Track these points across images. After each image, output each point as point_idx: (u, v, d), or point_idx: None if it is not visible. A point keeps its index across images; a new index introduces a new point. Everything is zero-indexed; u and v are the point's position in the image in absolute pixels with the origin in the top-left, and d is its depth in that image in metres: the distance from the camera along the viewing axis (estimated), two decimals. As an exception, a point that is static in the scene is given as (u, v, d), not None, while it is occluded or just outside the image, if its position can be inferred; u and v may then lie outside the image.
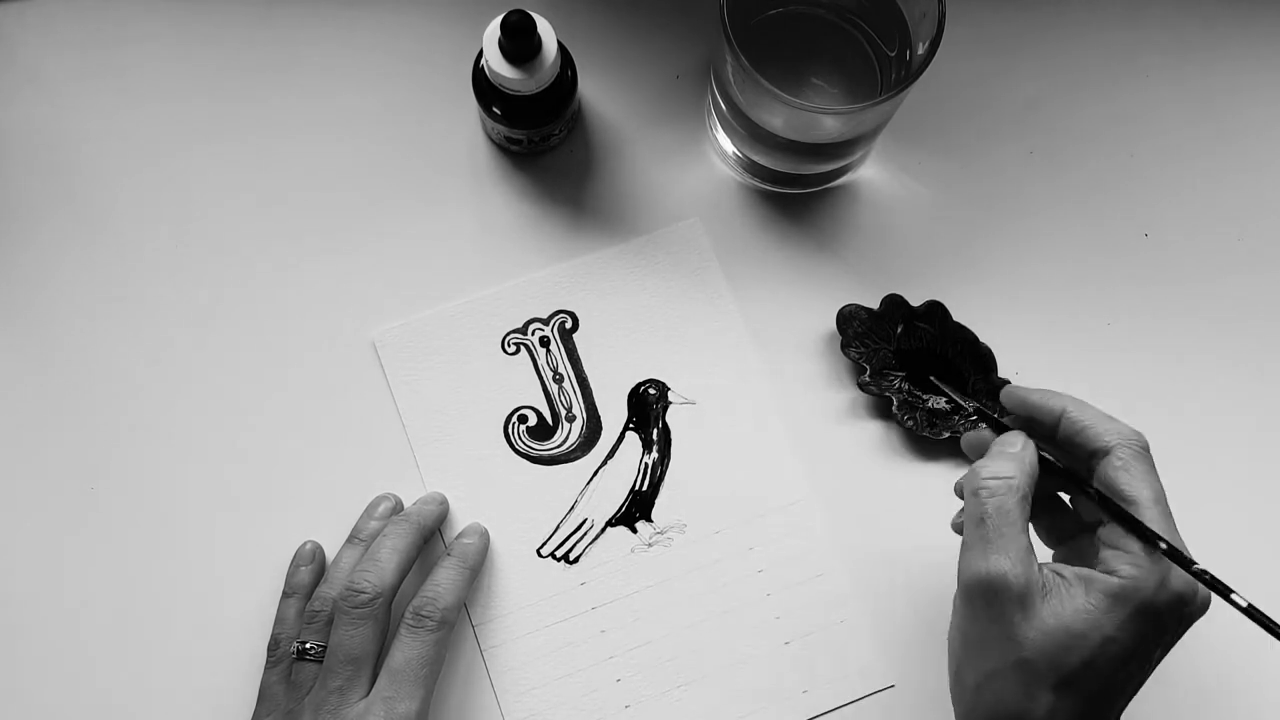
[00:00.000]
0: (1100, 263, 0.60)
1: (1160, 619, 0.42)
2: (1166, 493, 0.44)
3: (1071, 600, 0.42)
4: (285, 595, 0.55)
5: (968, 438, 0.51)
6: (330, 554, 0.56)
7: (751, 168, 0.59)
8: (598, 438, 0.58)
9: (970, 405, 0.54)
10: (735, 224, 0.60)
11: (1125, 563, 0.42)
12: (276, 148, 0.60)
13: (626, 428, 0.58)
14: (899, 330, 0.58)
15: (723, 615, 0.56)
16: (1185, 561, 0.43)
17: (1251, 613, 0.42)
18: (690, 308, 0.59)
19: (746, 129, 0.55)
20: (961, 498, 0.51)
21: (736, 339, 0.59)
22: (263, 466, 0.57)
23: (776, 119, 0.53)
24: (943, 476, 0.58)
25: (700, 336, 0.59)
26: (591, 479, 0.58)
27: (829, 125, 0.53)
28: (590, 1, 0.62)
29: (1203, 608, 0.44)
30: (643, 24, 0.62)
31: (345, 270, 0.59)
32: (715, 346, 0.59)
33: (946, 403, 0.58)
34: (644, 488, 0.58)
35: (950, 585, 0.57)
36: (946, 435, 0.57)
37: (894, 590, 0.57)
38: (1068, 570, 0.43)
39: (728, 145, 0.59)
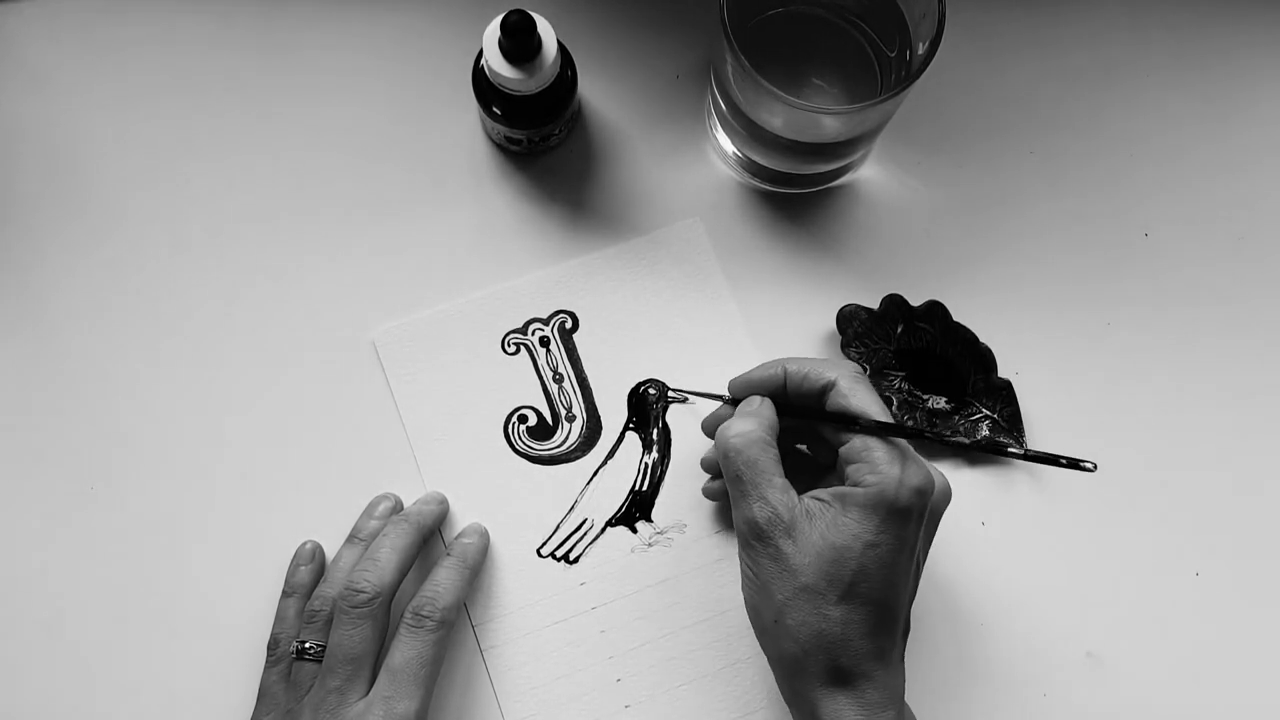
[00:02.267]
0: (1100, 262, 0.60)
1: (908, 513, 0.46)
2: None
3: (833, 519, 0.46)
4: (285, 594, 0.55)
5: (705, 420, 0.55)
6: (330, 554, 0.56)
7: (751, 168, 0.59)
8: (598, 438, 0.58)
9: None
10: (735, 224, 0.60)
11: (866, 473, 0.47)
12: (276, 148, 0.60)
13: (626, 428, 0.58)
14: (899, 330, 0.58)
15: (723, 615, 0.56)
16: (926, 434, 0.49)
17: (1028, 455, 0.47)
18: (690, 308, 0.59)
19: (746, 129, 0.55)
20: (708, 470, 0.56)
21: (736, 339, 0.59)
22: (263, 466, 0.57)
23: (776, 119, 0.53)
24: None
25: (700, 336, 0.59)
26: (591, 479, 0.58)
27: (829, 125, 0.53)
28: (590, 1, 0.62)
29: (944, 493, 0.49)
30: (643, 24, 0.62)
31: (345, 270, 0.59)
32: (715, 346, 0.59)
33: (947, 402, 0.58)
34: (644, 488, 0.58)
35: (948, 582, 0.57)
36: (947, 435, 0.57)
37: (894, 590, 0.57)
38: (824, 493, 0.47)
39: (728, 145, 0.59)
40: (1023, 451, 0.47)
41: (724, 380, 0.55)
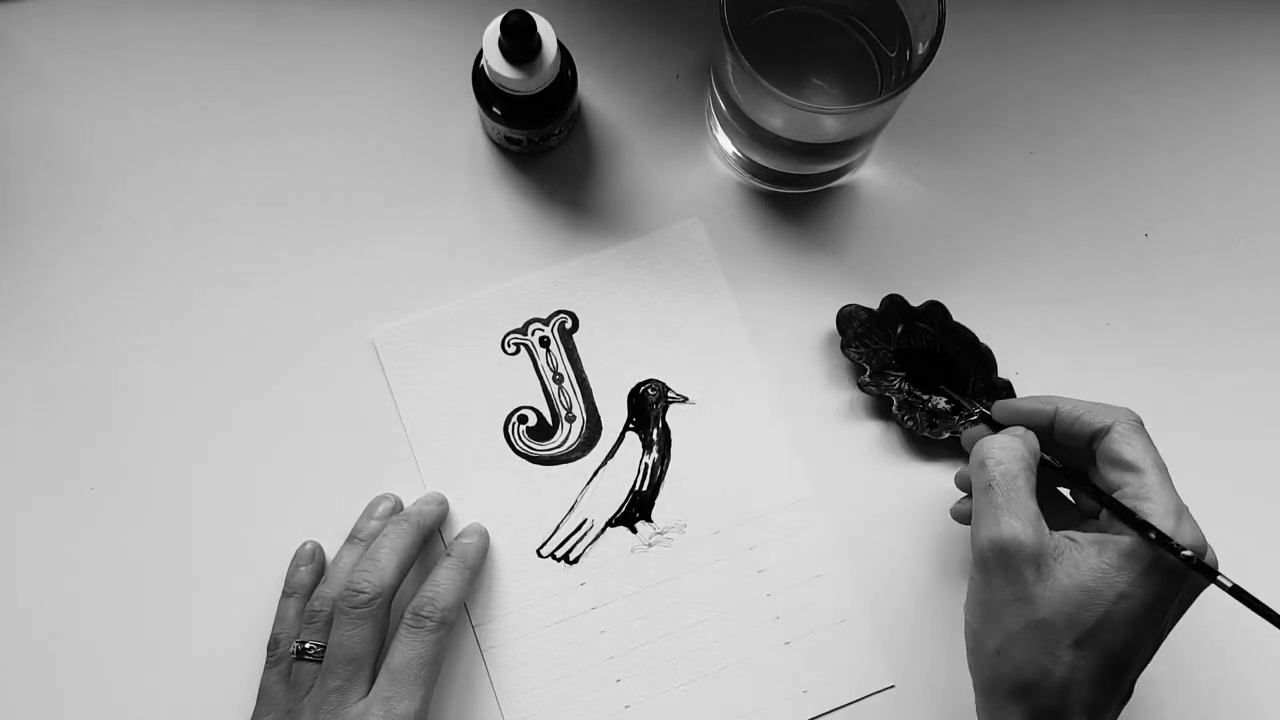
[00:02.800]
0: (1100, 263, 0.60)
1: (1172, 573, 0.44)
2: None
3: (1085, 560, 0.44)
4: (285, 595, 0.55)
5: (969, 433, 0.53)
6: (330, 554, 0.56)
7: (751, 168, 0.59)
8: (598, 438, 0.58)
9: (976, 407, 0.55)
10: (735, 224, 0.60)
11: None
12: (276, 147, 0.60)
13: (626, 428, 0.58)
14: (899, 330, 0.58)
15: (723, 615, 0.56)
16: (1178, 549, 0.44)
17: (1236, 592, 0.44)
18: (690, 308, 0.59)
19: (746, 129, 0.55)
20: (962, 488, 0.53)
21: (736, 339, 0.59)
22: (263, 466, 0.57)
23: (776, 119, 0.53)
24: (943, 476, 0.58)
25: (700, 336, 0.59)
26: (591, 479, 0.58)
27: (829, 125, 0.53)
28: (590, 1, 0.62)
29: (1212, 567, 0.45)
30: (643, 24, 0.62)
31: (345, 270, 0.59)
32: (715, 346, 0.59)
33: (947, 403, 0.58)
34: (644, 488, 0.58)
35: (950, 585, 0.57)
36: (946, 435, 0.57)
37: (894, 590, 0.57)
38: (1079, 535, 0.45)
39: (728, 145, 0.59)
40: (1230, 585, 0.44)
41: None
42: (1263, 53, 0.63)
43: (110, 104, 0.60)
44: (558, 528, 0.57)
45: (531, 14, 0.52)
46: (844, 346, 0.58)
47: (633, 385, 0.58)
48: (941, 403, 0.58)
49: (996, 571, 0.44)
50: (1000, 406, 0.51)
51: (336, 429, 0.58)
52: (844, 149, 0.56)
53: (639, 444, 0.58)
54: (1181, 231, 0.61)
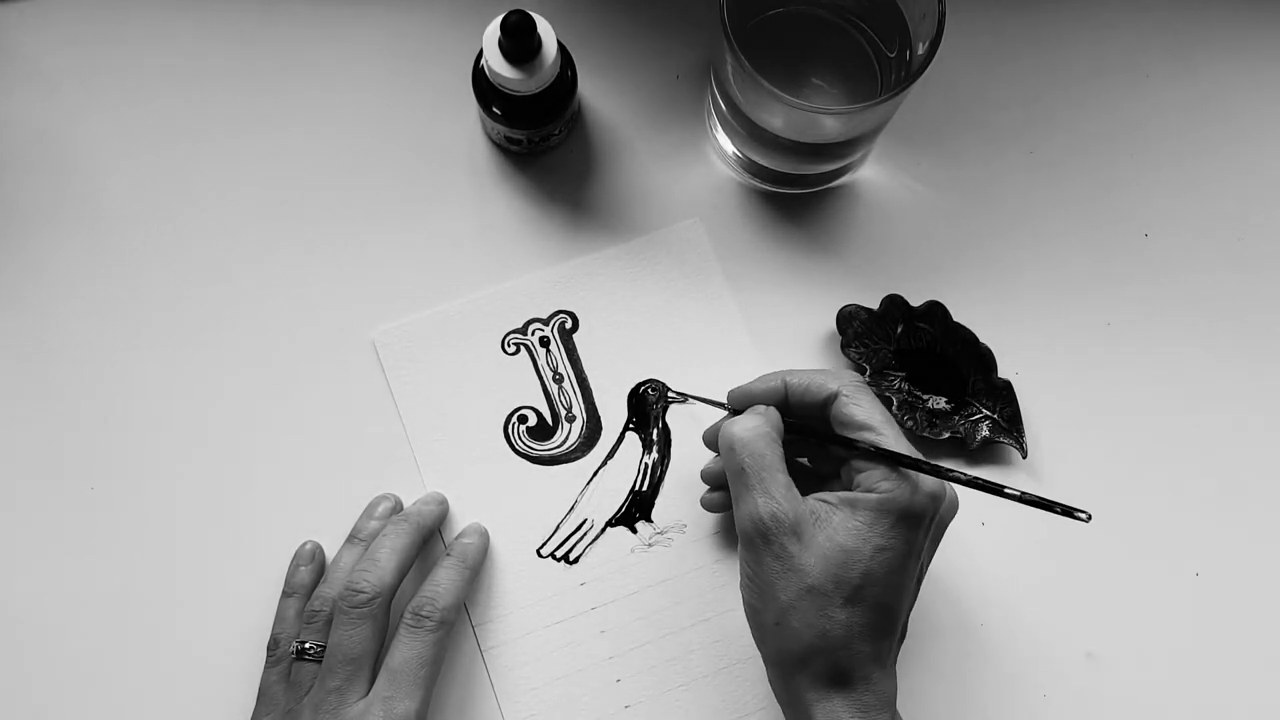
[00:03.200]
0: (1100, 263, 0.60)
1: (920, 519, 0.47)
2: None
3: (841, 522, 0.46)
4: (285, 595, 0.55)
5: (706, 432, 0.55)
6: (330, 554, 0.56)
7: (751, 168, 0.59)
8: (598, 438, 0.58)
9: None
10: (735, 224, 0.60)
11: (880, 479, 0.47)
12: (276, 147, 0.60)
13: (626, 428, 0.58)
14: (899, 330, 0.58)
15: (722, 616, 0.56)
16: (937, 470, 0.47)
17: (1025, 498, 0.46)
18: (690, 308, 0.59)
19: (746, 129, 0.55)
20: (707, 481, 0.55)
21: (736, 339, 0.59)
22: (263, 466, 0.57)
23: (776, 119, 0.53)
24: (943, 476, 0.58)
25: (700, 336, 0.59)
26: (591, 479, 0.58)
27: (829, 125, 0.53)
28: (590, 1, 0.62)
29: (953, 504, 0.49)
30: (643, 24, 0.62)
31: (345, 270, 0.59)
32: (715, 346, 0.59)
33: (947, 403, 0.58)
34: (644, 488, 0.58)
35: (950, 585, 0.57)
36: (946, 435, 0.57)
37: (894, 590, 0.57)
38: (831, 496, 0.47)
39: (728, 145, 0.59)
40: (1019, 494, 0.46)
41: (724, 383, 0.55)
42: (1262, 53, 0.63)
43: (109, 103, 0.60)
44: (558, 528, 0.57)
45: (531, 14, 0.52)
46: (844, 346, 0.58)
47: (633, 385, 0.58)
48: (941, 403, 0.58)
49: (762, 548, 0.46)
50: (733, 394, 0.53)
51: (336, 429, 0.58)
52: (844, 149, 0.56)
53: (639, 444, 0.58)
54: (1181, 232, 0.61)
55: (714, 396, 0.54)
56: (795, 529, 0.46)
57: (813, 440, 0.50)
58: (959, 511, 0.50)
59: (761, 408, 0.50)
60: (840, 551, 0.45)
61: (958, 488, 0.49)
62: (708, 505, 0.56)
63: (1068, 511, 0.45)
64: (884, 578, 0.46)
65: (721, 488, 0.55)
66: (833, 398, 0.49)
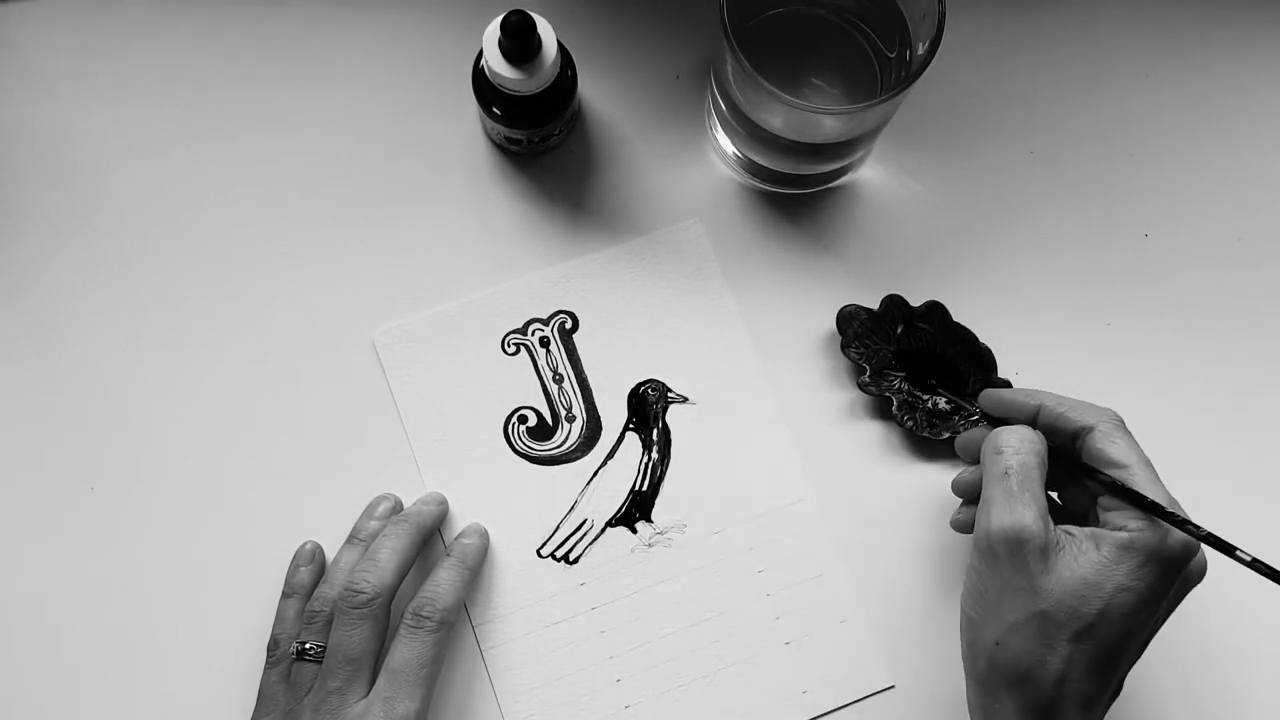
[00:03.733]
0: (1100, 263, 0.60)
1: (1167, 566, 0.45)
2: (1168, 491, 0.45)
3: (1085, 554, 0.44)
4: (285, 595, 0.55)
5: (963, 437, 0.53)
6: (330, 554, 0.56)
7: (751, 168, 0.59)
8: (598, 438, 0.58)
9: (974, 406, 0.55)
10: (735, 224, 0.60)
11: (1130, 518, 0.45)
12: (276, 148, 0.60)
13: (626, 428, 0.58)
14: (899, 330, 0.58)
15: (722, 615, 0.56)
16: (1183, 523, 0.45)
17: (1256, 565, 0.44)
18: (690, 308, 0.59)
19: (746, 129, 0.55)
20: (960, 494, 0.53)
21: (736, 339, 0.59)
22: (263, 466, 0.57)
23: (776, 119, 0.53)
24: (943, 476, 0.58)
25: (700, 336, 0.59)
26: (591, 479, 0.58)
27: (829, 125, 0.53)
28: (590, 1, 0.62)
29: (1202, 568, 0.47)
30: (643, 24, 0.62)
31: (345, 270, 0.59)
32: (715, 346, 0.59)
33: (946, 403, 0.58)
34: (644, 488, 0.58)
35: (950, 584, 0.57)
36: (946, 435, 0.57)
37: (894, 590, 0.57)
38: (1077, 530, 0.46)
39: (728, 145, 0.59)
40: (1250, 559, 0.44)
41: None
42: (1263, 52, 0.63)
43: (109, 104, 0.60)
44: (558, 528, 0.57)
45: (531, 14, 0.52)
46: (844, 346, 0.58)
47: (633, 385, 0.58)
48: (941, 403, 0.58)
49: (1004, 559, 0.45)
50: (986, 397, 0.52)
51: (336, 429, 0.58)
52: (844, 149, 0.56)
53: (639, 444, 0.58)
54: (1181, 232, 0.61)
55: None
56: (1043, 550, 0.44)
57: (1068, 472, 0.49)
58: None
59: (1029, 428, 0.49)
60: (1082, 583, 0.44)
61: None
62: (959, 526, 0.53)
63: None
64: (1119, 620, 0.44)
65: (972, 502, 0.52)
66: (1087, 430, 0.48)
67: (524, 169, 0.60)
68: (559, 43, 0.54)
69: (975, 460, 0.52)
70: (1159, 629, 0.47)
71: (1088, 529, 0.46)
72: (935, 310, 0.58)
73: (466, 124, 0.61)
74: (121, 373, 0.58)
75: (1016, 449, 0.47)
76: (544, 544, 0.57)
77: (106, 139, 0.60)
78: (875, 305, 0.58)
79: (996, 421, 0.52)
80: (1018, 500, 0.45)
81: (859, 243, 0.60)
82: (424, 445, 0.57)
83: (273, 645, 0.53)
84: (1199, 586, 0.48)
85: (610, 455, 0.58)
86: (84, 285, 0.59)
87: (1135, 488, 0.46)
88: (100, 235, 0.59)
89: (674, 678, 0.56)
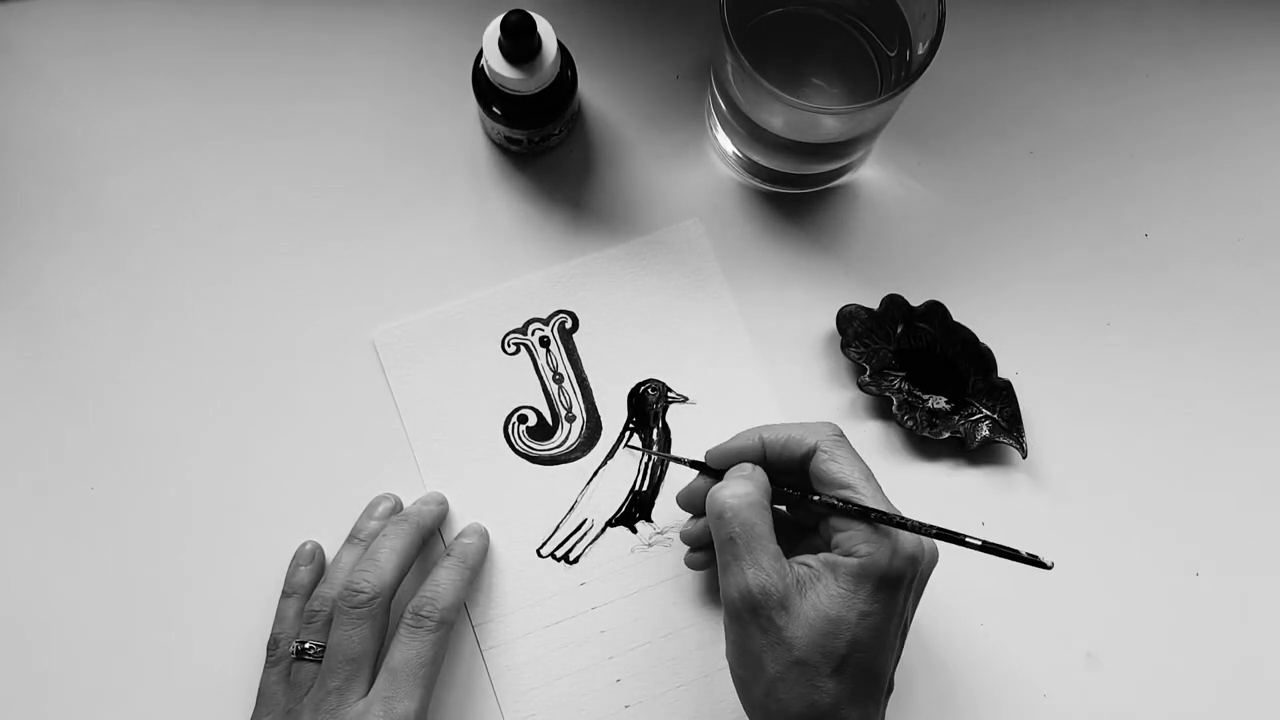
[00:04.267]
0: (1100, 263, 0.60)
1: (900, 582, 0.46)
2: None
3: (825, 589, 0.46)
4: (285, 595, 0.55)
5: (683, 492, 0.53)
6: (330, 554, 0.56)
7: (752, 168, 0.59)
8: (598, 438, 0.58)
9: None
10: (735, 224, 0.60)
11: (859, 542, 0.46)
12: (276, 148, 0.60)
13: (626, 428, 0.58)
14: (899, 330, 0.58)
15: (722, 615, 0.56)
16: (912, 525, 0.46)
17: (987, 547, 0.46)
18: (690, 308, 0.59)
19: (746, 129, 0.55)
20: (688, 543, 0.54)
21: (736, 339, 0.59)
22: (263, 466, 0.57)
23: (776, 119, 0.53)
24: (943, 476, 0.58)
25: (700, 336, 0.59)
26: (591, 479, 0.58)
27: (829, 125, 0.53)
28: (590, 1, 0.62)
29: (933, 559, 0.48)
30: (643, 24, 0.62)
31: (345, 270, 0.59)
32: (715, 346, 0.59)
33: (946, 402, 0.58)
34: (644, 488, 0.58)
35: (950, 583, 0.57)
36: (946, 435, 0.57)
37: (894, 590, 0.57)
38: (814, 560, 0.47)
39: (728, 145, 0.59)
40: (980, 543, 0.46)
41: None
42: (1262, 53, 0.63)
43: (109, 104, 0.60)
44: (558, 528, 0.57)
45: (531, 14, 0.52)
46: (844, 346, 0.58)
47: (633, 385, 0.58)
48: (941, 403, 0.58)
49: (749, 621, 0.46)
50: (713, 454, 0.52)
51: (336, 429, 0.58)
52: (844, 149, 0.56)
53: (639, 444, 0.58)
54: (1181, 232, 0.61)
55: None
56: (783, 601, 0.45)
57: (794, 496, 0.49)
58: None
59: (748, 468, 0.50)
60: (826, 621, 0.45)
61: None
62: (692, 565, 0.55)
63: (1032, 560, 0.45)
64: (869, 642, 0.45)
65: (704, 548, 0.54)
66: (812, 452, 0.49)
67: (524, 169, 0.60)
68: (559, 43, 0.54)
69: (696, 513, 0.53)
70: (910, 623, 0.49)
71: (823, 556, 0.46)
72: (935, 310, 0.58)
73: (466, 124, 0.61)
74: (122, 373, 0.58)
75: (735, 509, 0.47)
76: (544, 544, 0.57)
77: (107, 139, 0.60)
78: (875, 305, 0.58)
79: (720, 475, 0.51)
80: (749, 562, 0.46)
81: (859, 243, 0.60)
82: (424, 445, 0.57)
83: (272, 645, 0.53)
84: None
85: (610, 455, 0.58)
86: (84, 285, 0.59)
87: (860, 504, 0.47)
88: (100, 235, 0.59)
89: (674, 678, 0.56)
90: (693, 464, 0.53)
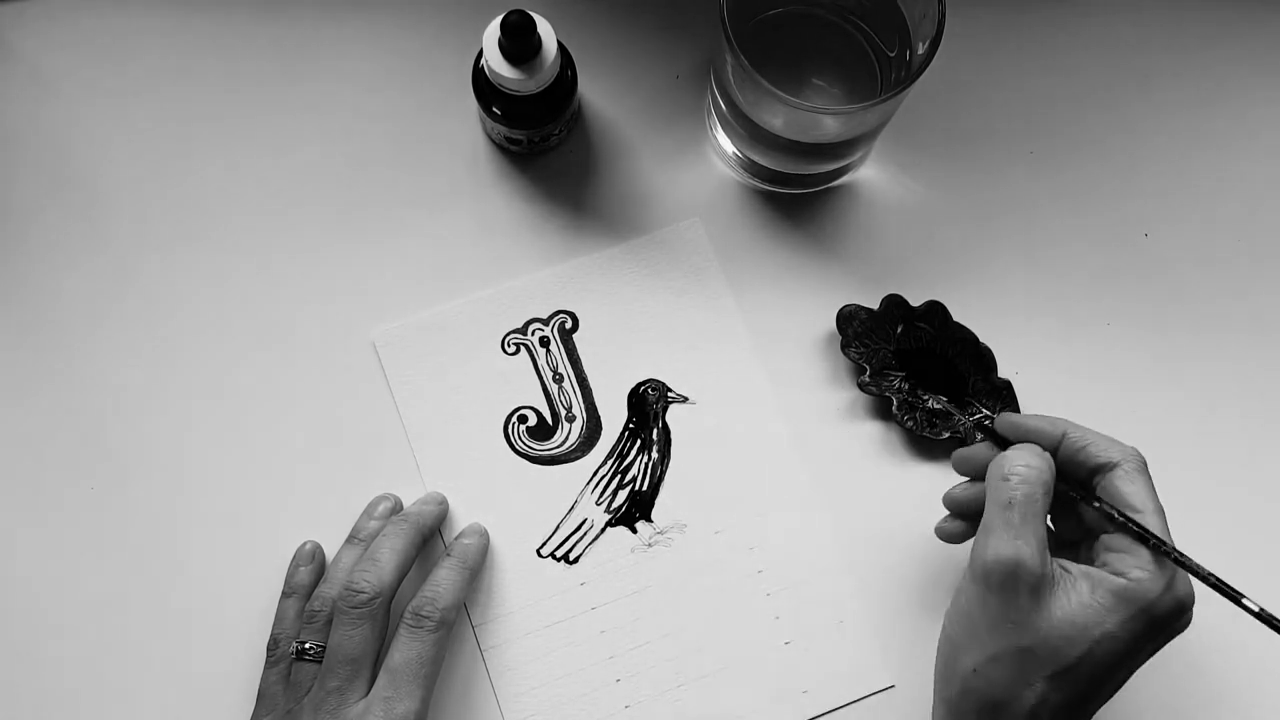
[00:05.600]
0: (1100, 263, 0.60)
1: (1158, 622, 0.44)
2: (1167, 493, 0.44)
3: (1078, 595, 0.44)
4: (285, 595, 0.55)
5: (963, 452, 0.52)
6: (330, 554, 0.56)
7: (751, 168, 0.59)
8: (598, 438, 0.58)
9: (981, 413, 0.54)
10: (735, 224, 0.60)
11: (1133, 565, 0.44)
12: (276, 148, 0.60)
13: (626, 428, 0.58)
14: (899, 330, 0.58)
15: (722, 615, 0.56)
16: (1192, 565, 0.44)
17: (1264, 617, 0.44)
18: (690, 308, 0.59)
19: (746, 129, 0.55)
20: (952, 508, 0.52)
21: (736, 339, 0.59)
22: (263, 466, 0.57)
23: (776, 119, 0.53)
24: (943, 476, 0.58)
25: (700, 336, 0.59)
26: (591, 479, 0.58)
27: (829, 125, 0.53)
28: (590, 1, 0.62)
29: (1186, 623, 0.46)
30: (643, 24, 0.62)
31: (345, 270, 0.59)
32: (715, 346, 0.59)
33: (947, 402, 0.58)
34: (644, 488, 0.58)
35: (950, 585, 0.57)
36: (946, 435, 0.57)
37: (894, 590, 0.57)
38: (1074, 567, 0.45)
39: (728, 145, 0.59)
40: (1258, 610, 0.44)
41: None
42: (1262, 53, 0.63)
43: (109, 104, 0.60)
44: (558, 528, 0.57)
45: (531, 14, 0.52)
46: (844, 346, 0.58)
47: (633, 385, 0.58)
48: (941, 402, 0.58)
49: (996, 590, 0.44)
50: (1005, 421, 0.50)
51: (336, 429, 0.58)
52: (844, 149, 0.56)
53: (639, 444, 0.58)
54: (1181, 232, 0.61)
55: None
56: (1036, 586, 0.44)
57: (1077, 502, 0.48)
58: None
59: (1038, 449, 0.47)
60: (1070, 625, 0.43)
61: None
62: (945, 535, 0.52)
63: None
64: (1100, 666, 0.43)
65: (962, 517, 0.52)
66: (1109, 466, 0.47)
67: (524, 169, 0.60)
68: (559, 43, 0.54)
69: (972, 475, 0.52)
70: (1134, 674, 0.47)
71: (1083, 567, 0.45)
72: (935, 310, 0.58)
73: (466, 124, 0.61)
74: (121, 372, 0.58)
75: (1024, 477, 0.45)
76: (544, 544, 0.57)
77: (106, 139, 0.60)
78: (875, 305, 0.58)
79: (1007, 443, 0.50)
80: (1019, 533, 0.44)
81: (859, 243, 0.60)
82: (424, 445, 0.57)
83: (272, 645, 0.53)
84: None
85: (610, 455, 0.58)
86: (84, 285, 0.59)
87: (1144, 527, 0.45)
88: (100, 235, 0.59)
89: (674, 678, 0.56)
90: (979, 424, 0.51)
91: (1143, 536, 0.45)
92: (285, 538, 0.56)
